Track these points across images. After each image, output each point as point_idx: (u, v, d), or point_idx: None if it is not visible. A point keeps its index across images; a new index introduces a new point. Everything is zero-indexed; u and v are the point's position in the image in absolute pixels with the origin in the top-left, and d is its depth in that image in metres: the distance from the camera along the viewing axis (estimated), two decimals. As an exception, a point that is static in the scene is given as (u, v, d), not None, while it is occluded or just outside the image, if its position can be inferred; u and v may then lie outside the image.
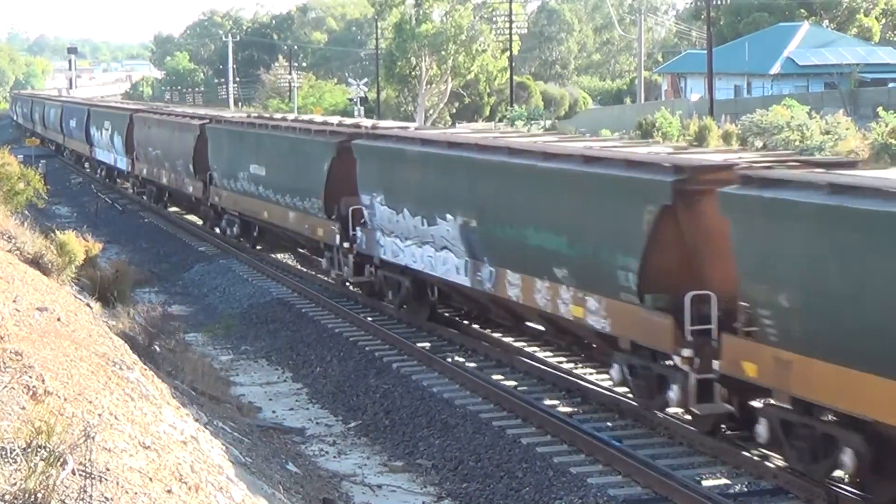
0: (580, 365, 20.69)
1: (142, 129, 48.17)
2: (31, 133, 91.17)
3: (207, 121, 39.25)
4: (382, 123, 31.76)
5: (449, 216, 21.31)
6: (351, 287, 27.52)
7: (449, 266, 21.61)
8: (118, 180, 58.10)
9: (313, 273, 31.27)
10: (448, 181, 21.47)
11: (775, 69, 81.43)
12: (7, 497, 7.95)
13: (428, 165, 22.30)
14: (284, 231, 31.36)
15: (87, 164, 68.30)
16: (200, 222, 41.96)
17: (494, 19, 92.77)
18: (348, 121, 35.51)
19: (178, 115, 45.20)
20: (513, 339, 22.63)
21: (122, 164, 53.10)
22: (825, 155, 41.53)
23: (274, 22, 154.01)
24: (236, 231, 35.96)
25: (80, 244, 24.57)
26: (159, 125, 45.44)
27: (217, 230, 38.81)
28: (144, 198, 50.23)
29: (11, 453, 8.57)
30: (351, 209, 25.57)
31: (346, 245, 25.85)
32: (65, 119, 72.05)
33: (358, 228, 25.28)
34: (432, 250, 22.10)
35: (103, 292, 25.30)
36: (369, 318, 25.18)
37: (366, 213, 24.79)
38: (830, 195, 13.20)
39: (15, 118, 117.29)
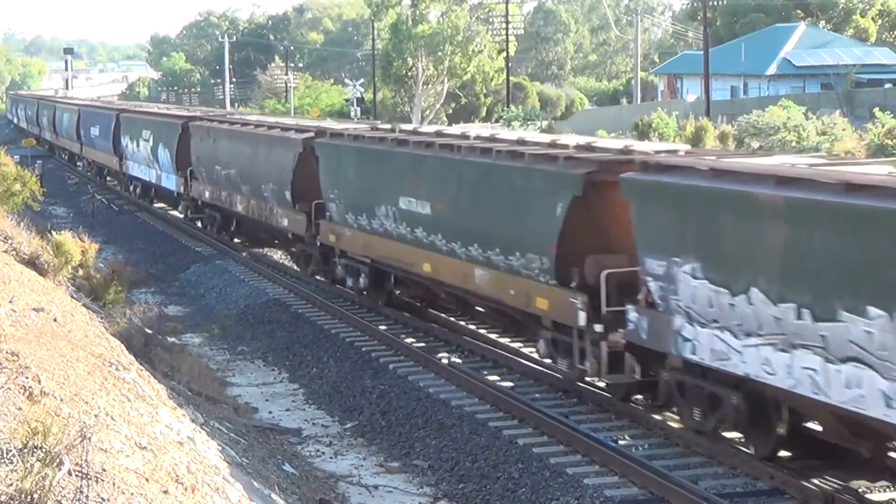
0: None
1: (203, 142, 37.59)
2: (36, 140, 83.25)
3: (313, 134, 28.83)
4: (644, 146, 19.92)
5: (874, 311, 12.76)
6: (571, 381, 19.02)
7: (864, 392, 13.06)
8: (155, 199, 49.51)
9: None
10: (863, 250, 12.98)
11: (772, 70, 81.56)
12: (3, 497, 7.95)
13: (806, 221, 13.79)
14: (462, 293, 22.28)
15: (108, 177, 59.87)
16: (295, 266, 32.27)
17: (491, 20, 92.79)
18: (568, 138, 23.42)
19: (263, 124, 34.27)
20: (509, 339, 22.63)
21: (171, 183, 42.68)
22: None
23: (270, 22, 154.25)
24: (363, 283, 25.84)
25: (76, 245, 24.58)
26: (232, 138, 34.63)
27: (320, 277, 29.63)
28: (198, 224, 40.87)
29: (8, 454, 8.58)
30: (605, 274, 17.16)
31: (597, 328, 17.24)
32: (83, 125, 61.87)
33: (631, 307, 16.62)
34: (818, 360, 13.63)
35: (100, 293, 25.33)
36: (366, 319, 25.17)
37: (652, 285, 16.15)
38: None
39: (15, 121, 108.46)
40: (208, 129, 37.58)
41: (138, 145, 47.43)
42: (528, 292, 18.86)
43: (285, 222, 30.28)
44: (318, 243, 28.07)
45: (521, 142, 21.04)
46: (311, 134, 28.81)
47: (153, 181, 46.11)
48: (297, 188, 29.06)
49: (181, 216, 43.72)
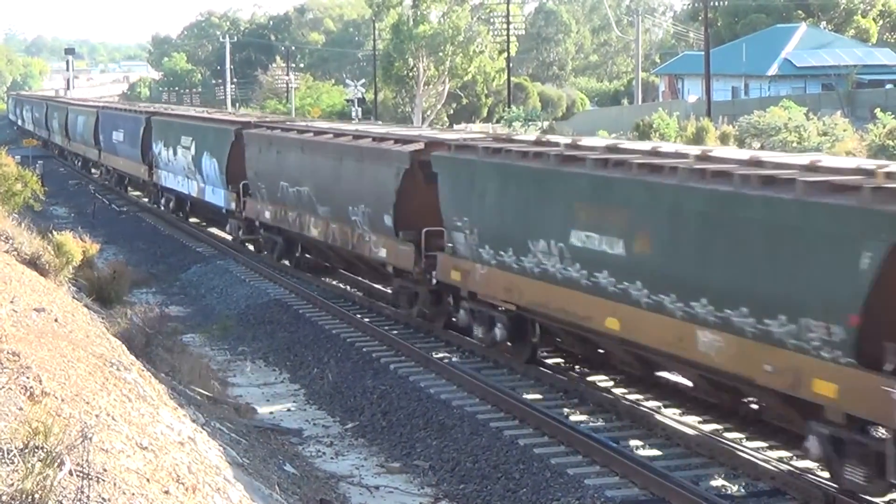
0: (578, 366, 20.68)
1: (264, 153, 31.85)
2: (44, 144, 79.85)
3: (423, 146, 23.44)
4: None
5: None
6: None
7: None
8: (190, 215, 43.92)
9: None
10: None
11: (773, 70, 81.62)
12: (4, 498, 7.95)
13: None
14: (669, 360, 16.94)
15: (129, 185, 55.07)
16: (393, 307, 25.69)
17: (492, 20, 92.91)
18: (835, 160, 17.23)
19: (344, 133, 28.36)
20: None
21: (218, 198, 36.98)
22: None
23: (271, 23, 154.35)
24: (499, 335, 20.51)
25: (77, 245, 24.61)
26: (305, 149, 28.92)
27: (424, 317, 24.00)
28: (249, 246, 35.75)
29: (9, 454, 8.57)
30: None
31: None
32: (103, 129, 56.31)
33: None
34: None
35: (101, 293, 25.36)
36: (366, 320, 25.17)
37: None
38: None
39: (20, 123, 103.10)
40: (270, 139, 31.63)
41: (175, 153, 41.59)
42: (799, 371, 13.87)
43: (382, 253, 24.66)
44: (433, 281, 22.72)
45: (757, 161, 15.46)
46: (421, 146, 23.44)
47: (193, 195, 40.22)
48: (400, 212, 23.71)
49: (229, 237, 37.63)
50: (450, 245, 21.79)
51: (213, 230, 41.31)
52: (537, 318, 19.74)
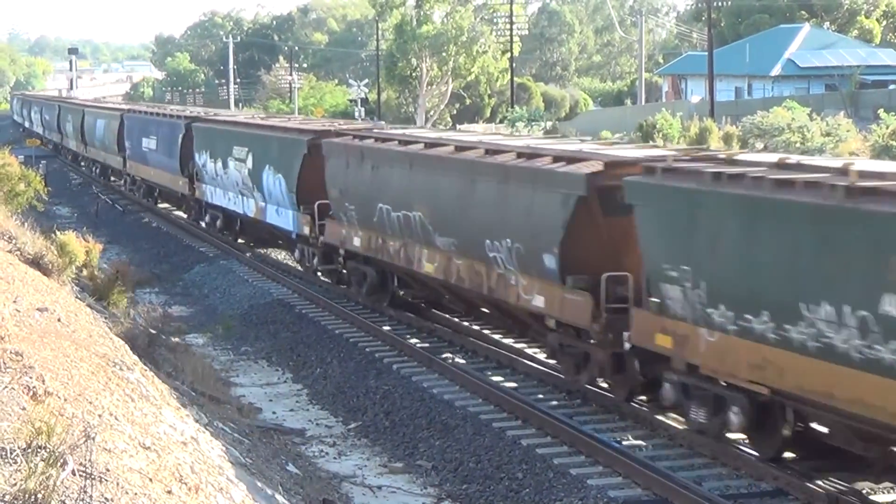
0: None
1: (353, 168, 25.92)
2: (55, 148, 75.66)
3: (600, 166, 17.87)
4: None
5: None
6: None
7: None
8: (240, 236, 37.37)
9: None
10: None
11: (776, 71, 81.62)
12: (7, 497, 7.95)
13: None
14: None
15: (158, 197, 48.88)
16: (559, 373, 19.75)
17: (495, 20, 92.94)
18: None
19: (468, 146, 22.28)
20: (513, 340, 22.62)
21: (285, 221, 30.79)
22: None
23: (275, 23, 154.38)
24: (736, 422, 15.15)
25: (80, 245, 24.64)
26: (416, 164, 23.25)
27: (597, 385, 18.80)
28: (319, 275, 29.93)
29: (11, 454, 8.58)
30: None
31: None
32: (130, 135, 50.06)
33: None
34: None
35: (104, 293, 25.37)
36: (369, 320, 25.16)
37: None
38: None
39: (27, 125, 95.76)
40: (361, 150, 25.71)
41: (225, 167, 35.57)
42: None
43: (538, 302, 19.12)
44: (627, 344, 17.11)
45: None
46: (599, 166, 17.88)
47: (251, 215, 33.99)
48: (569, 252, 18.20)
49: (297, 265, 32.20)
50: (654, 300, 16.36)
51: (274, 252, 36.01)
52: (800, 406, 14.44)
